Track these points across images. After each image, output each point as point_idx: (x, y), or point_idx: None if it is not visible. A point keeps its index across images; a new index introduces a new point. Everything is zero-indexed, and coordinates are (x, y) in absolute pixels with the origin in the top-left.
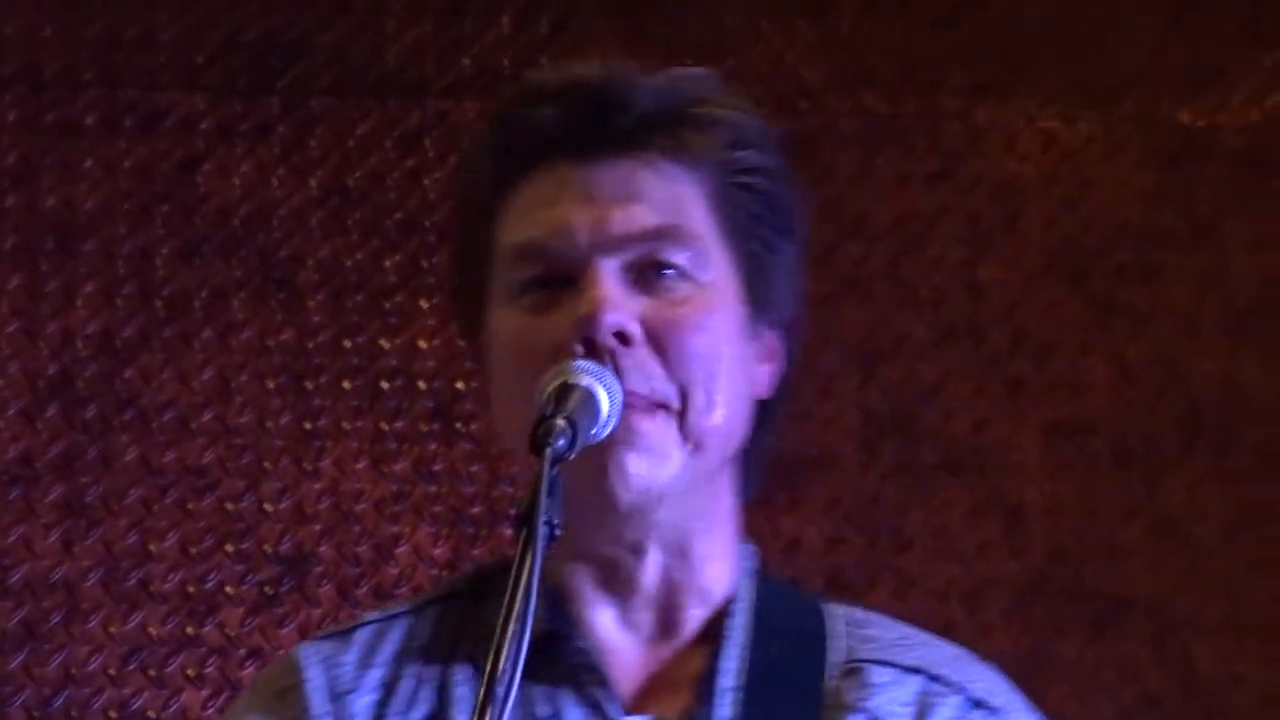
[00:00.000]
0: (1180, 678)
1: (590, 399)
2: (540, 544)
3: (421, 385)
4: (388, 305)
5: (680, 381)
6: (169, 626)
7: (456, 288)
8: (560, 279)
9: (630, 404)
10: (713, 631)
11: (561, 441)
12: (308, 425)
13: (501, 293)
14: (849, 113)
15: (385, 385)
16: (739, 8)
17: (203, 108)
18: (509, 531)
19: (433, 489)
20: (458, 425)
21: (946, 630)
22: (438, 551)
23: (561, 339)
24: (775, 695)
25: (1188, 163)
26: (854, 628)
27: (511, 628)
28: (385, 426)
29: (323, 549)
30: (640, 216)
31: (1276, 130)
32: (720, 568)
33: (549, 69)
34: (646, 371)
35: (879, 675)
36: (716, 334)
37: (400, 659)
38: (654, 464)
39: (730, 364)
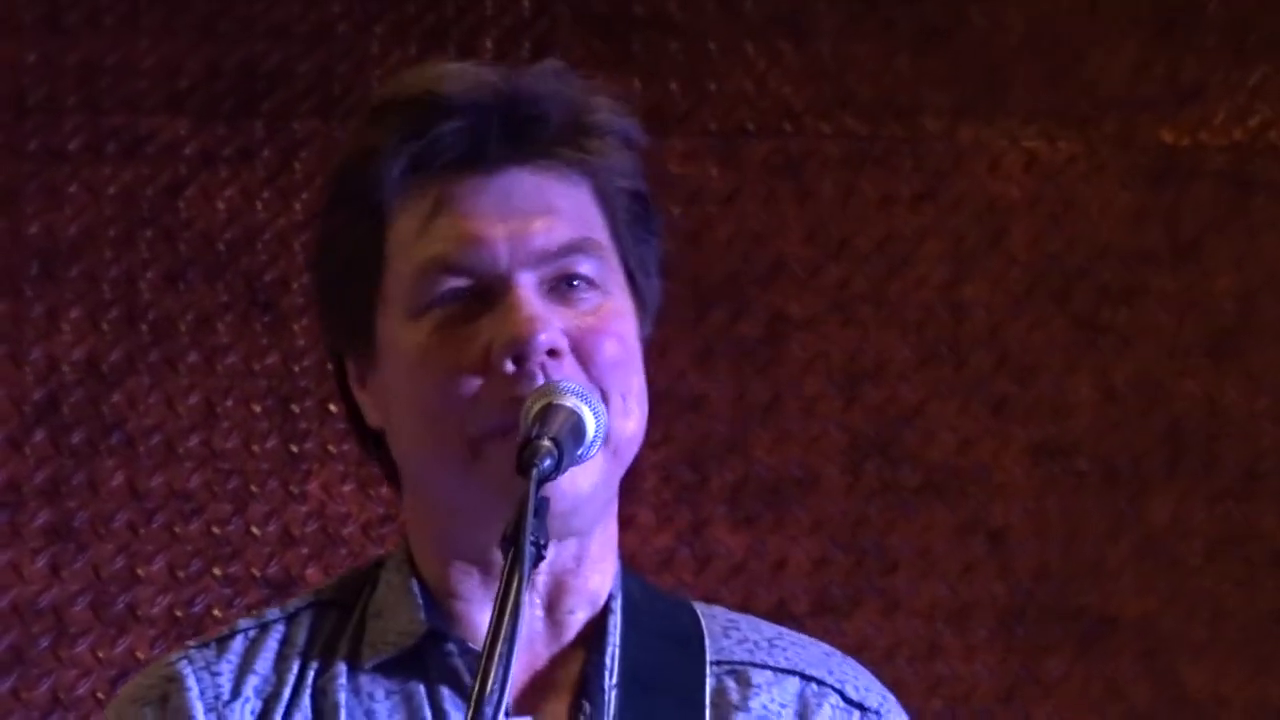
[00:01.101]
0: (1167, 696)
1: (576, 420)
2: (527, 565)
3: None
4: None
5: (601, 387)
6: (157, 650)
7: (336, 296)
8: (474, 292)
9: None
10: (593, 632)
11: (548, 462)
12: (294, 448)
13: (405, 304)
14: (832, 134)
15: None
16: (722, 30)
17: (186, 132)
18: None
19: None
20: None
21: (933, 651)
22: None
23: (484, 354)
24: (657, 695)
25: (1170, 182)
26: (727, 628)
27: (499, 648)
28: None
29: (310, 572)
30: (557, 231)
31: (1259, 149)
32: (605, 569)
33: (425, 68)
34: (577, 374)
35: (757, 676)
36: (626, 339)
37: (278, 665)
38: (589, 475)
39: (638, 367)
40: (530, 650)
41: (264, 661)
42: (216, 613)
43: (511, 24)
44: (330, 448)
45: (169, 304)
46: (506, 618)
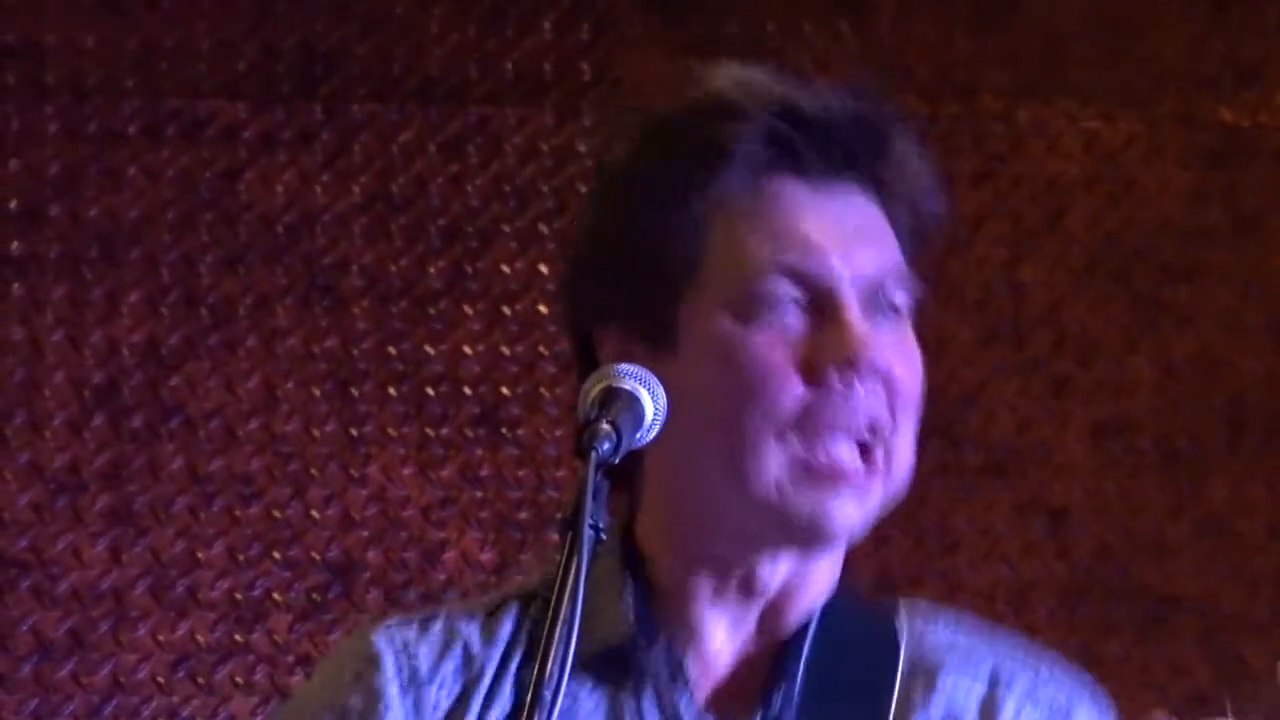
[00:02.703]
0: (1228, 675)
1: (634, 403)
2: (586, 547)
3: (467, 391)
4: (432, 311)
5: (895, 416)
6: (217, 634)
7: (624, 278)
8: (804, 302)
9: (861, 441)
10: (792, 637)
11: (606, 445)
12: (354, 432)
13: (727, 300)
14: None
15: (430, 391)
16: (780, 10)
17: (245, 116)
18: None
19: (479, 494)
20: (503, 430)
21: None
22: (484, 557)
23: (809, 365)
24: (843, 698)
25: (1229, 161)
26: (925, 630)
27: (559, 631)
28: (431, 432)
29: (370, 555)
30: (883, 256)
31: None
32: (829, 578)
33: (737, 69)
34: (881, 405)
35: (945, 674)
36: (918, 363)
37: (480, 652)
38: (864, 509)
39: (921, 401)
40: (740, 648)
41: (465, 647)
42: (276, 596)
43: (571, 5)
44: (390, 431)
45: (228, 287)
46: (565, 601)
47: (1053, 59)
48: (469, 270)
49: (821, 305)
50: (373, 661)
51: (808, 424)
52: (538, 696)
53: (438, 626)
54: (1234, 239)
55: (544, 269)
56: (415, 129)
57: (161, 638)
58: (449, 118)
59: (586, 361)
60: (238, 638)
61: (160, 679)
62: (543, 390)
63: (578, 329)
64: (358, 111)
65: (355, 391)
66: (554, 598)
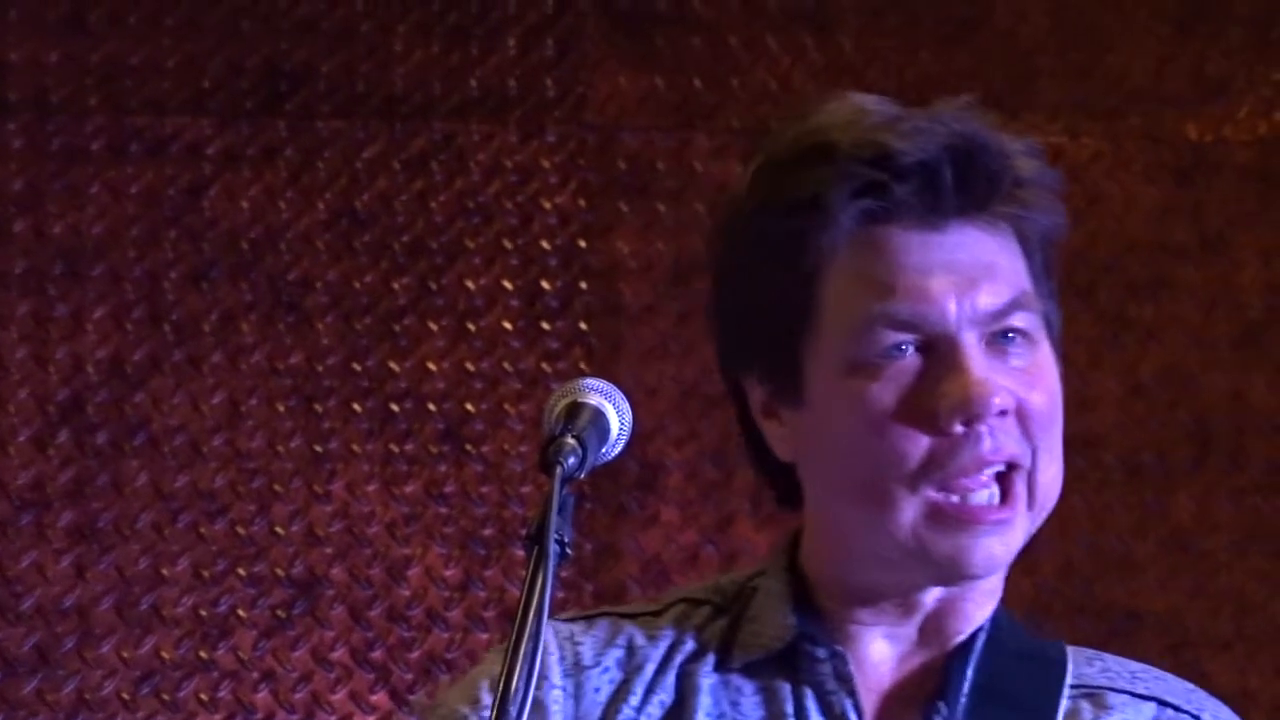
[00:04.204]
0: None
1: (600, 418)
2: (551, 563)
3: (431, 407)
4: (397, 328)
5: (1034, 444)
6: (182, 651)
7: (754, 332)
8: (919, 348)
9: (1003, 473)
10: (959, 650)
11: (572, 460)
12: (318, 448)
13: (844, 355)
14: None
15: (395, 408)
16: (743, 25)
17: (209, 132)
18: (520, 552)
19: (444, 510)
20: (468, 447)
21: None
22: (449, 573)
23: (930, 413)
24: (1009, 709)
25: (1195, 177)
26: (1091, 659)
27: (524, 647)
28: (395, 448)
29: (334, 572)
30: (1000, 290)
31: None
32: (992, 595)
33: (851, 105)
34: (1014, 437)
35: (1114, 699)
36: (1055, 390)
37: (644, 646)
38: (1010, 542)
39: (1061, 414)
40: (899, 660)
41: (629, 640)
42: (241, 613)
43: (535, 21)
44: (354, 447)
45: (193, 304)
46: (531, 616)
47: (1018, 74)
48: (433, 286)
49: (937, 350)
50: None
51: (937, 473)
52: (503, 712)
53: (603, 622)
54: (1200, 255)
55: (508, 285)
56: (380, 145)
57: (126, 655)
58: (413, 134)
59: (740, 406)
60: (203, 654)
61: (125, 696)
62: (507, 407)
63: (727, 374)
64: (322, 128)
65: (320, 408)
66: (519, 613)
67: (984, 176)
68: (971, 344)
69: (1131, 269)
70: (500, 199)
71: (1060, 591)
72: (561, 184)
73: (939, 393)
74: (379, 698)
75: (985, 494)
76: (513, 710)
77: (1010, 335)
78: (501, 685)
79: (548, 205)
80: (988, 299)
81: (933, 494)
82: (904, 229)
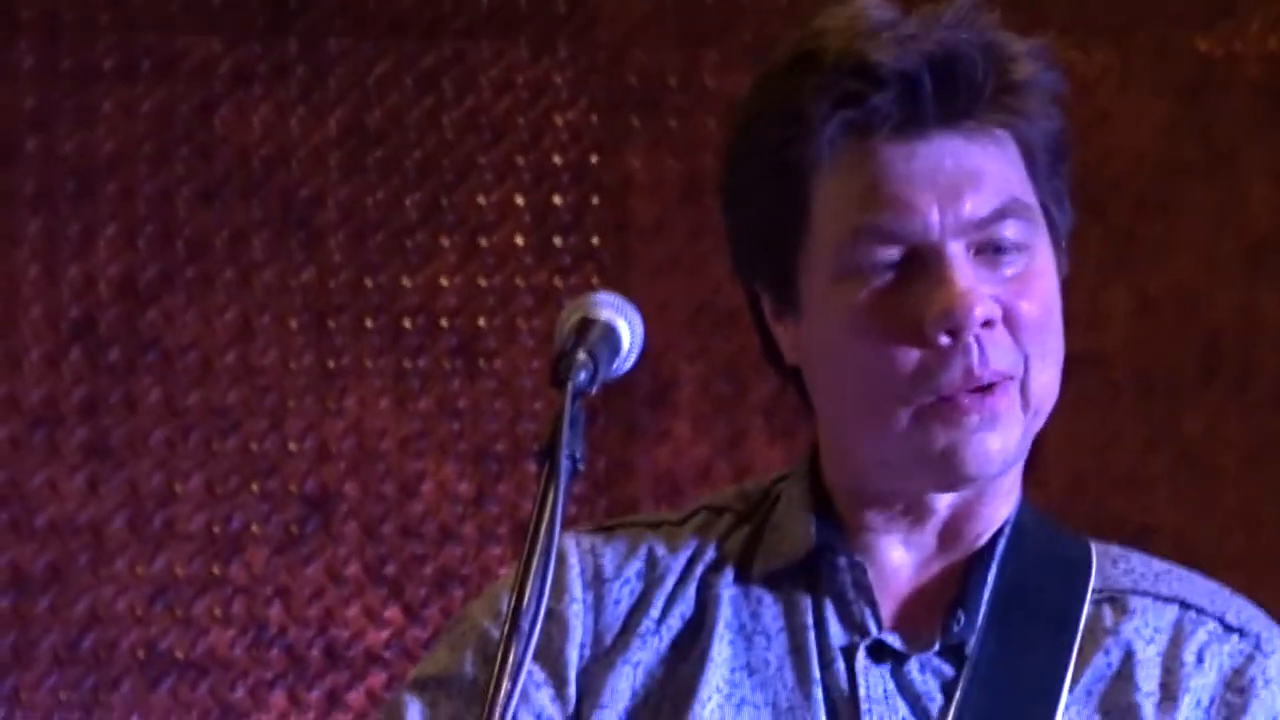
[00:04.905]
0: None
1: (611, 333)
2: (563, 478)
3: (443, 323)
4: (408, 244)
5: (1026, 351)
6: (195, 567)
7: (754, 242)
8: (904, 259)
9: (992, 383)
10: (979, 554)
11: (583, 375)
12: (330, 364)
13: (832, 266)
14: None
15: (407, 323)
16: None
17: (220, 50)
18: (532, 467)
19: (456, 426)
20: (480, 362)
21: None
22: (462, 488)
23: (916, 325)
24: (1031, 614)
25: (1205, 92)
26: (1117, 559)
27: (535, 562)
28: (408, 364)
29: (347, 488)
30: (987, 198)
31: None
32: (1009, 500)
33: (841, 14)
34: (1004, 348)
35: (1135, 602)
36: (1050, 297)
37: (664, 557)
38: (1006, 440)
39: (1058, 320)
40: (918, 567)
41: (650, 551)
42: (254, 529)
43: None
44: (366, 363)
45: (204, 221)
46: (543, 533)
47: None
48: (445, 203)
49: (923, 261)
50: (560, 560)
51: (928, 383)
52: (515, 626)
53: (623, 534)
54: (1210, 171)
55: (520, 201)
56: (390, 63)
57: (139, 571)
58: (424, 52)
59: (756, 312)
60: (215, 570)
61: (138, 612)
62: (519, 322)
63: (743, 281)
64: (333, 46)
65: (331, 324)
66: (531, 528)
67: (966, 84)
68: (957, 254)
69: (1140, 186)
70: (511, 115)
71: (1070, 508)
72: (572, 100)
73: (923, 304)
74: (392, 613)
75: (976, 396)
76: (525, 624)
77: (1005, 246)
78: (514, 600)
79: (559, 121)
80: (972, 207)
81: (925, 400)
82: (887, 140)
